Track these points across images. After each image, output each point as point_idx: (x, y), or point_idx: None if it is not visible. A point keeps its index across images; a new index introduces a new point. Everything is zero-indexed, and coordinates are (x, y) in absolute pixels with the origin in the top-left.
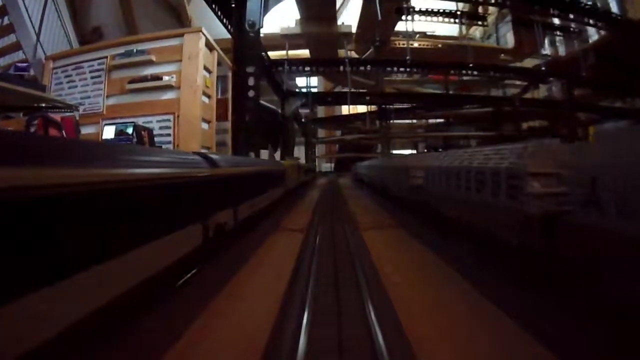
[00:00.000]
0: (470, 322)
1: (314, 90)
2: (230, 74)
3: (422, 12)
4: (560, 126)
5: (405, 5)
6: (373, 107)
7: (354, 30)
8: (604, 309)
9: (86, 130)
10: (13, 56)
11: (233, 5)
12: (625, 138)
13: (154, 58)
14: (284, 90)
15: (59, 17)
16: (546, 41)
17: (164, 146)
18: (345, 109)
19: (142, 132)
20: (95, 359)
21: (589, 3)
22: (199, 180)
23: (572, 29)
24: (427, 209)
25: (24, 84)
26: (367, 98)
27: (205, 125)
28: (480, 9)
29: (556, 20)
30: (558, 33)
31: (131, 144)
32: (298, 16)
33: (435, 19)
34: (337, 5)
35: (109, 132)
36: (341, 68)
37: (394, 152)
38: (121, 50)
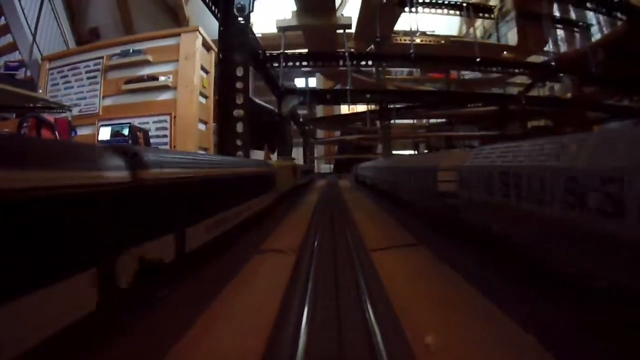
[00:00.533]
0: None
1: (313, 89)
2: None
3: (425, 4)
4: (566, 125)
5: None
6: (373, 107)
7: (354, 21)
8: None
9: (82, 132)
10: (9, 57)
11: None
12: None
13: (150, 58)
14: (280, 88)
15: (55, 18)
16: (552, 37)
17: (160, 147)
18: (344, 109)
19: (138, 133)
20: None
21: None
22: (101, 191)
23: (580, 23)
24: (465, 224)
25: (15, 83)
26: (368, 96)
27: (202, 126)
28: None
29: (562, 14)
30: (566, 27)
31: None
32: (295, 7)
33: (439, 10)
34: (337, 2)
35: (104, 134)
36: (341, 63)
37: (394, 152)
38: (117, 50)
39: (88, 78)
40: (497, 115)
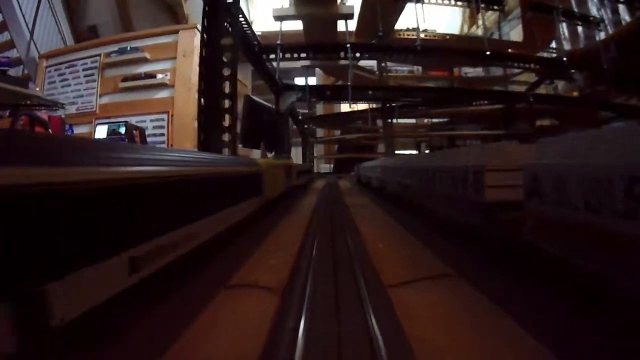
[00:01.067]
0: None
1: (312, 85)
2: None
3: None
4: (575, 124)
5: None
6: (374, 106)
7: (356, 11)
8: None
9: (79, 130)
10: (7, 55)
11: None
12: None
13: (148, 55)
14: (278, 84)
15: (53, 15)
16: (561, 32)
17: (157, 146)
18: (345, 109)
19: (134, 131)
20: None
21: None
22: None
23: (591, 18)
24: (533, 252)
25: (7, 80)
26: (370, 92)
27: None
28: None
29: (572, 8)
30: (575, 22)
31: None
32: None
33: (447, 1)
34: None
35: (101, 132)
36: (342, 55)
37: (396, 152)
38: (115, 47)
39: (85, 76)
40: (503, 114)
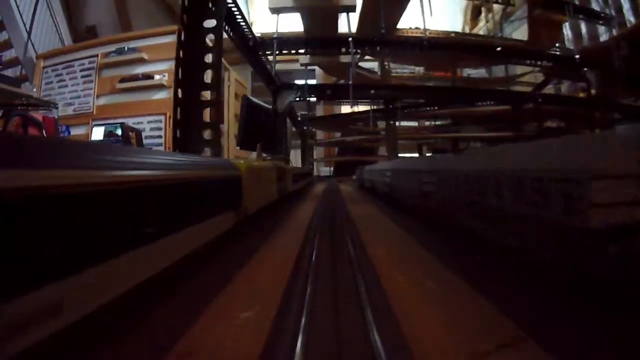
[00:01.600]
0: None
1: (311, 83)
2: (227, 76)
3: None
4: (583, 126)
5: None
6: (375, 107)
7: (357, 9)
8: None
9: (76, 132)
10: (4, 55)
11: None
12: None
13: (145, 56)
14: (275, 81)
15: (51, 16)
16: (564, 33)
17: (154, 149)
18: (345, 110)
19: (130, 133)
20: None
21: None
22: None
23: (602, 14)
24: None
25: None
26: (372, 92)
27: None
28: None
29: (582, 3)
30: (586, 18)
31: None
32: None
33: None
34: None
35: (97, 134)
36: (343, 50)
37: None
38: (112, 48)
39: (82, 77)
40: (510, 115)
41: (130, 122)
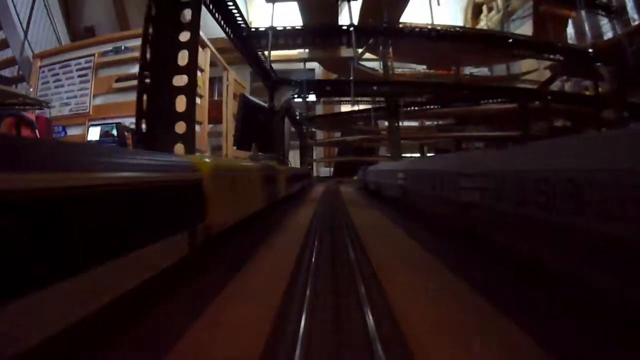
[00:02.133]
0: None
1: (310, 79)
2: (226, 76)
3: None
4: (590, 126)
5: None
6: (376, 106)
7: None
8: None
9: (72, 132)
10: (1, 54)
11: None
12: None
13: None
14: (271, 76)
15: (48, 15)
16: (575, 25)
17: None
18: (345, 109)
19: (126, 133)
20: None
21: None
22: None
23: (613, 8)
24: None
25: None
26: (375, 88)
27: (196, 127)
28: None
29: None
30: (595, 12)
31: None
32: None
33: None
34: None
35: (94, 134)
36: (344, 42)
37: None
38: (109, 47)
39: (79, 76)
40: (516, 113)
41: (127, 122)
